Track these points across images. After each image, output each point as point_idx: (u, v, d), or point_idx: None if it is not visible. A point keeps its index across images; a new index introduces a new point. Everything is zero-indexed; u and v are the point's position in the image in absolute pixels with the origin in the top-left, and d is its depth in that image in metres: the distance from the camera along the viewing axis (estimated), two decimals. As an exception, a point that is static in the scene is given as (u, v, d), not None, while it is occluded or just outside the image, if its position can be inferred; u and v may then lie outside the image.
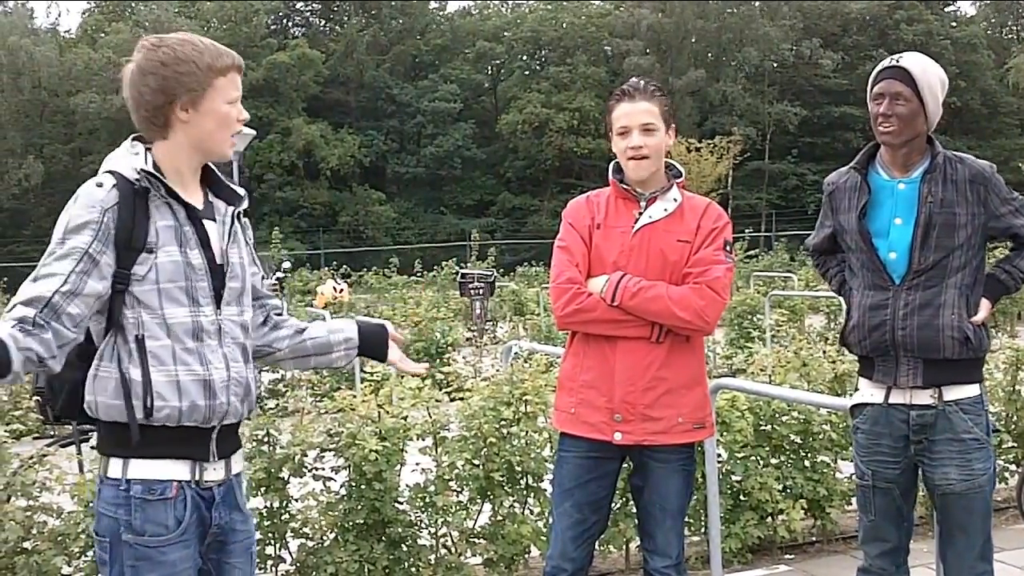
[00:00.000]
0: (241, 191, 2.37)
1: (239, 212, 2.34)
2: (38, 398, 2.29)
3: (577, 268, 2.99)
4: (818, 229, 3.22)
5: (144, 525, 2.13)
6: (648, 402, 2.92)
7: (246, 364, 2.29)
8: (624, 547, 4.66)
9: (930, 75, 2.88)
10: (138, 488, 2.13)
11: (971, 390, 2.92)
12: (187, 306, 2.18)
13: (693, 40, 45.32)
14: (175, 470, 2.17)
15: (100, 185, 2.13)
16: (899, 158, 2.95)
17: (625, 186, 3.03)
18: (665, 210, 3.00)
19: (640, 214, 3.00)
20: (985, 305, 2.93)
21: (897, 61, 2.90)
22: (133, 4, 44.03)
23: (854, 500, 3.59)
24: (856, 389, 3.13)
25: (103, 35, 41.03)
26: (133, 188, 2.15)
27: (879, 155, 3.02)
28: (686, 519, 4.66)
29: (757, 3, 46.58)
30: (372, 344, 2.57)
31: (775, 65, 45.01)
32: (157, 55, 2.17)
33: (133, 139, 2.26)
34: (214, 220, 2.28)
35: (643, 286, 2.90)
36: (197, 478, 2.20)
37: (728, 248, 2.99)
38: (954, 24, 48.99)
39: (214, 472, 2.24)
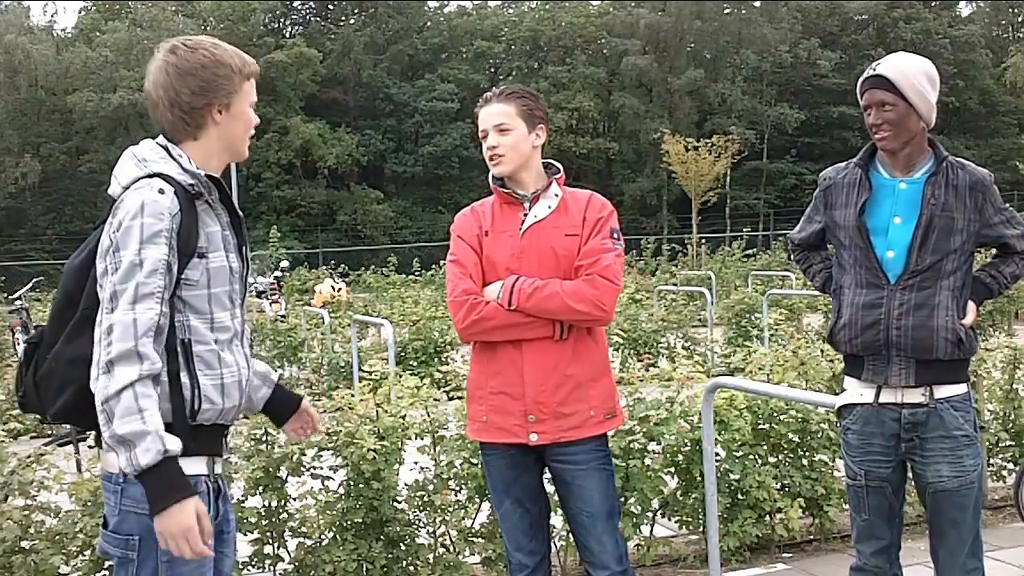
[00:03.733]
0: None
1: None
2: (20, 401, 2.27)
3: (471, 279, 3.02)
4: (805, 224, 3.21)
5: None
6: (559, 400, 2.96)
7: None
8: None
9: (911, 75, 2.86)
10: None
11: (960, 388, 2.94)
12: (229, 310, 2.24)
13: (691, 40, 45.34)
14: (199, 466, 2.20)
15: (162, 192, 2.12)
16: (900, 160, 2.95)
17: (507, 190, 3.08)
18: (549, 207, 3.05)
19: (525, 215, 3.05)
20: (972, 308, 2.95)
21: (875, 70, 2.90)
22: (130, 3, 43.90)
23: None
24: (843, 389, 3.14)
25: (99, 34, 40.91)
26: (188, 193, 2.16)
27: (879, 154, 3.02)
28: (685, 518, 4.73)
29: (757, 3, 46.59)
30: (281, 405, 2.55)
31: (773, 66, 44.99)
32: (196, 57, 2.18)
33: (163, 140, 2.25)
34: None
35: (537, 286, 2.93)
36: (210, 472, 2.25)
37: (615, 236, 3.03)
38: (952, 23, 49.05)
39: (218, 466, 2.30)
